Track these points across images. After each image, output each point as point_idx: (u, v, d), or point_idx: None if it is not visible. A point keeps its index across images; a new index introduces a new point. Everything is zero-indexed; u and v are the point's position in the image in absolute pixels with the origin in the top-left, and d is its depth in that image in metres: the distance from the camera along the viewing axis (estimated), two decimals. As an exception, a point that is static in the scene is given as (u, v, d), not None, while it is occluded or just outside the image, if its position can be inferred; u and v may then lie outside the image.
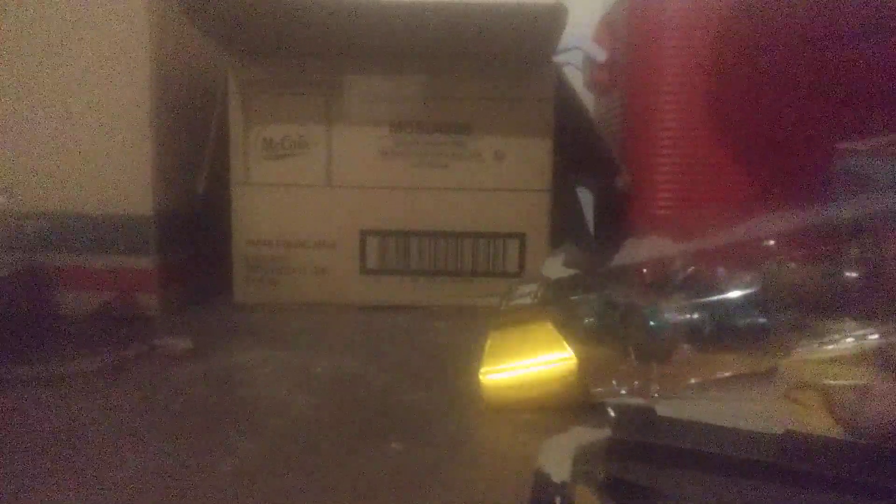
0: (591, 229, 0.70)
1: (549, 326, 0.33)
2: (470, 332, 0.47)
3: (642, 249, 0.40)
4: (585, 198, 0.71)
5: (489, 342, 0.34)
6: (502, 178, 0.53)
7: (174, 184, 0.51)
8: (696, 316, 0.32)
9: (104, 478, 0.25)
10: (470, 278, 0.54)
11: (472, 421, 0.31)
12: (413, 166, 0.53)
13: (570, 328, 0.33)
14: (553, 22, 0.44)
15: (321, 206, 0.53)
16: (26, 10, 0.47)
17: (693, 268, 0.35)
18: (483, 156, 0.53)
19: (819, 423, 0.27)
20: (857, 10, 0.50)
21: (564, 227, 0.62)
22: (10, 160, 0.48)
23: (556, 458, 0.23)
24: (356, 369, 0.38)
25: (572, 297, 0.37)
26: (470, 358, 0.40)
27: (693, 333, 0.32)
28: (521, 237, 0.54)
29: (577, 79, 0.63)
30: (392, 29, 0.47)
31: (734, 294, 0.33)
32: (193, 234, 0.55)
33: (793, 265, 0.34)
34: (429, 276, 0.54)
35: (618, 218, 0.59)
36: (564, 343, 0.31)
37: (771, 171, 0.52)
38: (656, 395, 0.30)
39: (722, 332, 0.32)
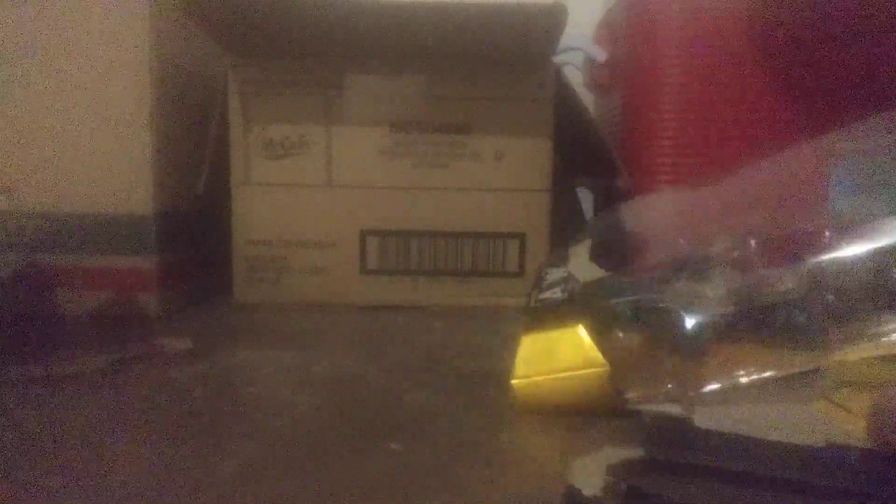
0: (591, 229, 0.70)
1: (581, 331, 0.33)
2: (469, 331, 0.47)
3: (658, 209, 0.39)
4: (585, 198, 0.71)
5: (521, 347, 0.34)
6: (502, 178, 0.54)
7: (174, 184, 0.51)
8: (731, 309, 0.31)
9: (104, 478, 0.25)
10: (470, 278, 0.54)
11: (473, 421, 0.31)
12: (413, 166, 0.53)
13: (601, 330, 0.33)
14: (553, 22, 0.44)
15: (321, 206, 0.53)
16: (26, 10, 0.47)
17: (735, 252, 0.34)
18: (483, 156, 0.53)
19: (862, 430, 0.26)
20: (857, 9, 0.50)
21: (564, 227, 0.62)
22: (11, 160, 0.48)
23: (588, 473, 0.23)
24: (356, 369, 0.38)
25: (605, 300, 0.36)
26: (469, 358, 0.40)
27: (729, 328, 0.31)
28: (521, 237, 0.54)
29: (577, 79, 0.63)
30: (392, 29, 0.47)
31: (775, 285, 0.32)
32: (193, 234, 0.55)
33: (839, 254, 0.32)
34: (429, 276, 0.54)
35: (618, 218, 0.59)
36: (596, 350, 0.31)
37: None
38: (691, 401, 0.29)
39: (760, 326, 0.31)
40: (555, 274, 0.41)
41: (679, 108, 0.53)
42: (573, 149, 0.58)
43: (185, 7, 0.46)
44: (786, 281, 0.32)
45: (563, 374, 0.31)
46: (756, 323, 0.31)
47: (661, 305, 0.33)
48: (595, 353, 0.31)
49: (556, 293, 0.40)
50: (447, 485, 0.24)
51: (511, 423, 0.30)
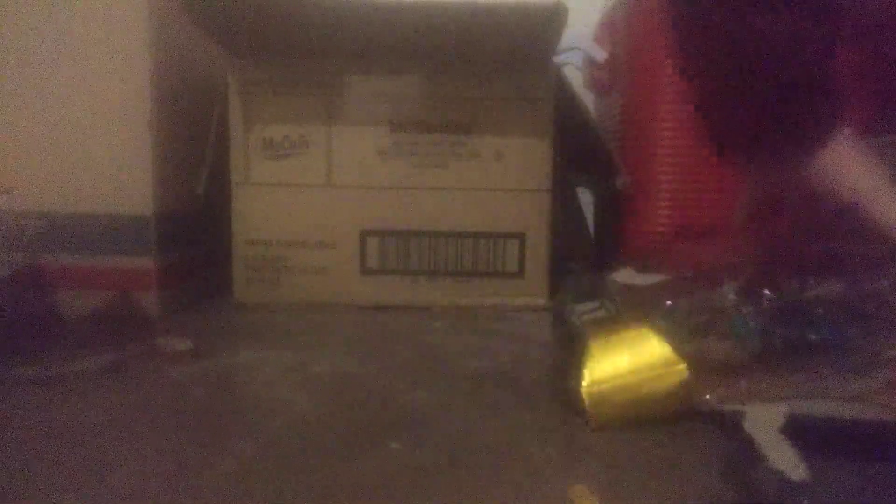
0: (591, 229, 0.70)
1: (652, 334, 0.31)
2: (469, 331, 0.47)
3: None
4: (585, 198, 0.71)
5: (590, 352, 0.32)
6: (502, 178, 0.53)
7: (174, 184, 0.51)
8: (771, 331, 0.31)
9: (104, 477, 0.25)
10: (470, 278, 0.54)
11: (473, 421, 0.31)
12: (413, 166, 0.53)
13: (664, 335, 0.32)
14: (553, 22, 0.44)
15: (321, 206, 0.53)
16: (27, 10, 0.47)
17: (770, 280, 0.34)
18: (483, 156, 0.53)
19: None
20: (856, 9, 0.50)
21: (564, 227, 0.62)
22: (11, 160, 0.48)
23: (782, 449, 0.21)
24: (356, 369, 0.38)
25: (660, 305, 0.35)
26: (469, 358, 0.40)
27: (766, 350, 0.31)
28: (521, 237, 0.54)
29: (577, 79, 0.63)
30: (392, 29, 0.47)
31: (812, 307, 0.32)
32: (193, 234, 0.55)
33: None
34: (429, 276, 0.54)
35: (618, 218, 0.59)
36: (673, 352, 0.30)
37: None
38: (768, 396, 0.28)
39: (796, 347, 0.31)
40: (585, 306, 0.41)
41: (679, 109, 0.53)
42: (573, 149, 0.58)
43: (184, 7, 0.46)
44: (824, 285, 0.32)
45: (640, 377, 0.30)
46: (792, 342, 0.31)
47: (719, 308, 0.33)
48: (671, 353, 0.30)
49: (597, 312, 0.39)
50: (447, 485, 0.24)
51: (511, 422, 0.30)
